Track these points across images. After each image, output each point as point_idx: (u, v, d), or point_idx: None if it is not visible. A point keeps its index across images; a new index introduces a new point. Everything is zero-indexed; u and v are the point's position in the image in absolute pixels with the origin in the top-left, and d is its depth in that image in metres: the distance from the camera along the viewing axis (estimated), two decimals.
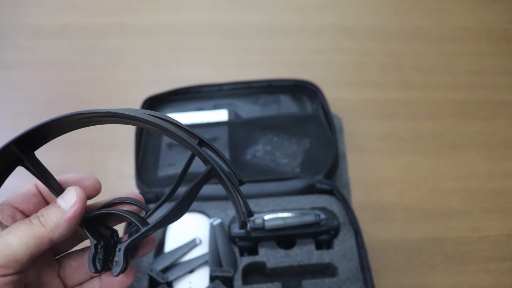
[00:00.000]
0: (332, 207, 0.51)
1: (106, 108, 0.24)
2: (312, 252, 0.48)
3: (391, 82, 0.71)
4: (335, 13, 0.80)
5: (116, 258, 0.27)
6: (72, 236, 0.27)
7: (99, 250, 0.27)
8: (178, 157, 0.58)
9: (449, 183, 0.60)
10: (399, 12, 0.81)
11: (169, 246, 0.48)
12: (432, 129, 0.65)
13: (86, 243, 0.29)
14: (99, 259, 0.27)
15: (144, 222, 0.27)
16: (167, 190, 0.53)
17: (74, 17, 0.78)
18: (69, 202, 0.26)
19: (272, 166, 0.57)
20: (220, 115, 0.62)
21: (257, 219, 0.48)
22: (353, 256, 0.48)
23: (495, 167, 0.62)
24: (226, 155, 0.58)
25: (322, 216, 0.48)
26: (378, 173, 0.61)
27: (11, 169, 0.27)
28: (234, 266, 0.47)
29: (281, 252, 0.48)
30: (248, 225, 0.47)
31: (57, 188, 0.27)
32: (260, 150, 0.58)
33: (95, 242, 0.27)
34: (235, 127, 0.60)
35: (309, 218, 0.48)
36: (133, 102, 0.61)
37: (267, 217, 0.48)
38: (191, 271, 0.46)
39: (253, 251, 0.49)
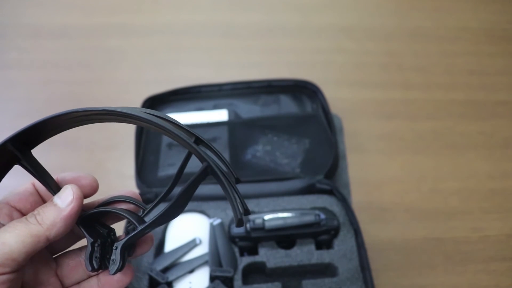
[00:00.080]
0: (332, 207, 0.51)
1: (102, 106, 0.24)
2: (312, 252, 0.48)
3: (391, 82, 0.71)
4: (335, 13, 0.80)
5: (113, 257, 0.27)
6: (69, 234, 0.27)
7: (96, 248, 0.27)
8: (178, 157, 0.58)
9: (449, 183, 0.60)
10: (399, 12, 0.81)
11: (169, 246, 0.48)
12: (432, 129, 0.65)
13: (84, 242, 0.29)
14: (95, 257, 0.27)
15: (141, 220, 0.27)
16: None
17: (74, 17, 0.78)
18: (65, 201, 0.26)
19: (272, 166, 0.57)
20: (220, 115, 0.62)
21: (257, 219, 0.48)
22: (353, 256, 0.48)
23: (495, 167, 0.62)
24: (226, 155, 0.58)
25: (322, 216, 0.48)
26: (378, 173, 0.61)
27: (8, 168, 0.27)
28: (234, 266, 0.47)
29: (281, 252, 0.48)
30: (248, 225, 0.47)
31: (54, 187, 0.27)
32: (260, 150, 0.58)
33: (92, 240, 0.27)
34: (235, 127, 0.60)
35: (309, 218, 0.48)
36: (133, 102, 0.61)
37: (267, 217, 0.48)
38: (191, 271, 0.46)
39: (253, 251, 0.49)
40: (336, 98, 0.66)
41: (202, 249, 0.48)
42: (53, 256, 0.30)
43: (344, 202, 0.51)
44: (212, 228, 0.49)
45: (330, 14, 0.80)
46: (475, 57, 0.74)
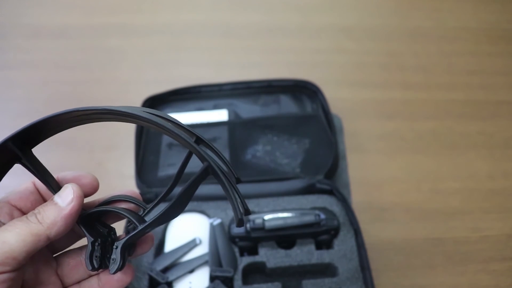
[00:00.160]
0: (332, 207, 0.51)
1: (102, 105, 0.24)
2: (312, 252, 0.48)
3: (391, 82, 0.71)
4: (335, 13, 0.80)
5: (113, 256, 0.27)
6: (70, 234, 0.27)
7: (96, 247, 0.27)
8: (178, 157, 0.58)
9: (449, 183, 0.60)
10: (399, 12, 0.81)
11: (169, 246, 0.48)
12: (432, 129, 0.65)
13: (85, 241, 0.29)
14: (96, 256, 0.27)
15: (141, 219, 0.27)
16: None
17: (74, 17, 0.78)
18: (66, 199, 0.26)
19: (272, 166, 0.57)
20: (220, 115, 0.62)
21: (257, 219, 0.48)
22: (353, 256, 0.48)
23: (495, 167, 0.62)
24: (226, 155, 0.58)
25: (322, 216, 0.48)
26: (378, 173, 0.61)
27: (9, 166, 0.27)
28: (234, 266, 0.47)
29: (281, 252, 0.48)
30: (248, 225, 0.47)
31: (54, 186, 0.27)
32: (260, 150, 0.58)
33: (92, 239, 0.27)
34: (235, 127, 0.60)
35: (309, 218, 0.48)
36: (133, 102, 0.61)
37: (267, 217, 0.48)
38: (191, 271, 0.46)
39: (253, 251, 0.49)
40: (336, 98, 0.66)
41: (202, 249, 0.48)
42: (54, 255, 0.30)
43: (344, 202, 0.51)
44: (212, 228, 0.49)
45: (330, 14, 0.80)
46: (475, 57, 0.74)
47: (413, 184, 0.60)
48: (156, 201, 0.29)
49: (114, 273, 0.27)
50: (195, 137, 0.25)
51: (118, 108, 0.24)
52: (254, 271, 0.49)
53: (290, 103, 0.64)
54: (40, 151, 0.28)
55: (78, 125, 0.27)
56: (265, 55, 0.74)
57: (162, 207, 0.26)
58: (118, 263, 0.27)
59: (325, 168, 0.55)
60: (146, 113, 0.24)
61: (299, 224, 0.48)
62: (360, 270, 0.47)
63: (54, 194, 0.27)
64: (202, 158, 0.24)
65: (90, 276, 0.30)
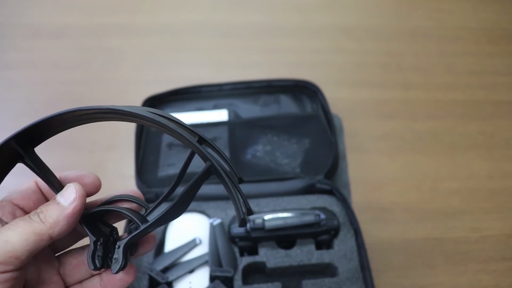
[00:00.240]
0: (332, 207, 0.51)
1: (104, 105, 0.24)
2: (312, 252, 0.48)
3: (391, 82, 0.71)
4: (335, 13, 0.80)
5: (115, 256, 0.27)
6: (72, 233, 0.27)
7: (98, 247, 0.27)
8: (178, 157, 0.58)
9: (449, 183, 0.60)
10: (399, 12, 0.81)
11: (169, 246, 0.48)
12: (432, 129, 0.65)
13: (87, 241, 0.29)
14: (98, 256, 0.27)
15: (143, 219, 0.27)
16: (167, 190, 0.53)
17: (74, 17, 0.78)
18: (68, 199, 0.26)
19: (272, 166, 0.57)
20: (220, 115, 0.62)
21: (257, 219, 0.48)
22: (353, 256, 0.48)
23: (495, 167, 0.62)
24: (226, 155, 0.57)
25: (322, 216, 0.48)
26: (378, 173, 0.61)
27: (11, 165, 0.27)
28: (234, 266, 0.47)
29: (281, 252, 0.48)
30: (248, 225, 0.48)
31: (57, 185, 0.27)
32: (260, 150, 0.58)
33: (95, 239, 0.27)
34: (235, 127, 0.60)
35: (309, 218, 0.48)
36: (133, 102, 0.61)
37: (267, 217, 0.48)
38: (191, 271, 0.46)
39: (253, 251, 0.49)
40: (336, 98, 0.66)
41: (202, 249, 0.48)
42: (56, 255, 0.30)
43: (344, 202, 0.51)
44: (212, 228, 0.49)
45: (330, 14, 0.80)
46: (475, 57, 0.74)
47: (413, 184, 0.60)
48: (158, 201, 0.29)
49: (116, 272, 0.27)
50: (198, 136, 0.25)
51: (121, 108, 0.24)
52: (254, 271, 0.49)
53: (290, 103, 0.64)
54: (40, 151, 0.28)
55: (80, 125, 0.27)
56: (265, 55, 0.74)
57: (164, 207, 0.26)
58: (120, 262, 0.27)
59: (325, 168, 0.55)
60: (149, 112, 0.24)
61: (299, 224, 0.48)
62: (360, 270, 0.47)
63: (56, 194, 0.27)
64: (204, 157, 0.24)
65: (92, 275, 0.30)
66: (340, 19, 0.79)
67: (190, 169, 0.28)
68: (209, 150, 0.25)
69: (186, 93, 0.63)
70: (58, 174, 0.28)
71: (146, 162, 0.58)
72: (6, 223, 0.26)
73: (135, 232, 0.27)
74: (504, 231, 0.56)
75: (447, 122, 0.66)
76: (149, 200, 0.52)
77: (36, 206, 0.27)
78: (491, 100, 0.69)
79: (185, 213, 0.50)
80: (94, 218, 0.28)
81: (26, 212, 0.28)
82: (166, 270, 0.46)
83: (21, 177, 0.29)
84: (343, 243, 0.49)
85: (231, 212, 0.51)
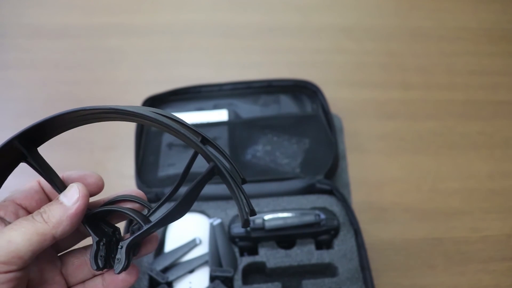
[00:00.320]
0: (332, 207, 0.51)
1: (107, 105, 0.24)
2: (312, 252, 0.48)
3: (391, 82, 0.71)
4: (335, 13, 0.80)
5: (118, 256, 0.27)
6: (75, 233, 0.27)
7: (101, 247, 0.27)
8: (178, 157, 0.58)
9: (449, 183, 0.60)
10: (399, 12, 0.81)
11: (169, 246, 0.48)
12: (432, 129, 0.65)
13: (89, 241, 0.29)
14: (101, 256, 0.27)
15: (146, 220, 0.27)
16: (167, 190, 0.53)
17: (74, 17, 0.78)
18: (71, 199, 0.26)
19: (272, 166, 0.57)
20: (220, 115, 0.62)
21: (257, 219, 0.48)
22: (353, 256, 0.48)
23: (495, 167, 0.62)
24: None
25: (322, 216, 0.48)
26: (378, 173, 0.61)
27: (14, 165, 0.27)
28: (234, 266, 0.47)
29: (281, 252, 0.48)
30: None
31: (59, 185, 0.27)
32: (260, 150, 0.58)
33: (97, 239, 0.27)
34: (235, 127, 0.60)
35: (309, 218, 0.48)
36: (133, 102, 0.61)
37: (267, 217, 0.48)
38: (191, 271, 0.46)
39: (253, 251, 0.49)
40: (336, 98, 0.66)
41: (202, 249, 0.48)
42: (58, 255, 0.30)
43: (344, 202, 0.51)
44: (212, 228, 0.49)
45: (330, 14, 0.80)
46: (475, 57, 0.74)
47: (413, 184, 0.60)
48: (161, 201, 0.29)
49: (119, 273, 0.27)
50: (201, 137, 0.25)
51: (124, 108, 0.24)
52: (254, 271, 0.49)
53: (290, 103, 0.64)
54: (41, 151, 0.28)
55: (83, 124, 0.27)
56: (265, 55, 0.74)
57: (166, 207, 0.26)
58: (123, 263, 0.27)
59: (325, 168, 0.55)
60: (152, 112, 0.24)
61: (299, 224, 0.48)
62: (360, 270, 0.47)
63: (59, 193, 0.27)
64: (208, 158, 0.24)
65: (95, 275, 0.30)
66: (340, 19, 0.79)
67: (193, 168, 0.28)
68: (212, 150, 0.25)
69: (186, 93, 0.63)
70: (60, 174, 0.28)
71: (146, 162, 0.58)
72: (9, 223, 0.26)
73: (138, 233, 0.27)
74: (504, 231, 0.56)
75: (447, 122, 0.66)
76: (149, 200, 0.52)
77: (39, 206, 0.27)
78: (491, 100, 0.69)
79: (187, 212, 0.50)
80: (97, 218, 0.28)
81: (29, 212, 0.28)
82: (166, 270, 0.46)
83: (23, 177, 0.29)
84: (343, 243, 0.49)
85: (231, 212, 0.51)
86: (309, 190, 0.53)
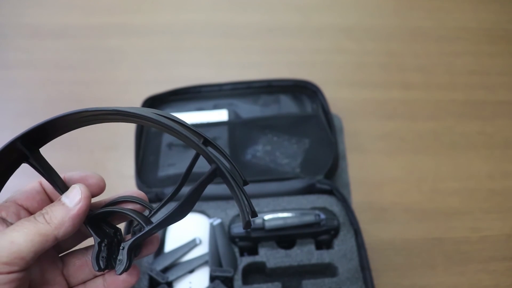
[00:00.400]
0: (332, 207, 0.51)
1: (109, 106, 0.24)
2: (312, 252, 0.48)
3: (391, 82, 0.71)
4: (335, 13, 0.80)
5: (119, 257, 0.27)
6: (76, 234, 0.27)
7: (102, 248, 0.27)
8: (178, 157, 0.58)
9: (449, 183, 0.60)
10: (399, 12, 0.81)
11: (169, 246, 0.48)
12: (432, 129, 0.65)
13: (90, 241, 0.29)
14: (102, 257, 0.27)
15: (148, 221, 0.27)
16: (167, 190, 0.53)
17: (74, 17, 0.78)
18: (73, 200, 0.26)
19: (272, 166, 0.57)
20: (220, 115, 0.62)
21: (257, 219, 0.48)
22: (353, 256, 0.48)
23: (495, 167, 0.62)
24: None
25: (322, 216, 0.48)
26: (378, 173, 0.61)
27: (16, 166, 0.27)
28: (234, 266, 0.47)
29: (281, 252, 0.48)
30: None
31: (61, 186, 0.27)
32: (260, 150, 0.58)
33: (99, 240, 0.27)
34: (235, 127, 0.60)
35: (309, 218, 0.48)
36: (133, 102, 0.61)
37: (267, 217, 0.48)
38: (191, 271, 0.46)
39: (253, 251, 0.49)
40: (336, 98, 0.66)
41: (202, 249, 0.48)
42: (59, 255, 0.30)
43: (344, 202, 0.51)
44: (212, 228, 0.49)
45: (330, 14, 0.80)
46: (475, 57, 0.74)
47: (413, 184, 0.60)
48: (162, 202, 0.29)
49: (121, 273, 0.27)
50: (203, 138, 0.25)
51: (126, 109, 0.24)
52: (254, 271, 0.49)
53: (290, 103, 0.64)
54: (41, 151, 0.28)
55: (86, 126, 0.27)
56: (265, 55, 0.74)
57: (168, 208, 0.26)
58: (124, 264, 0.27)
59: (325, 168, 0.55)
60: (154, 114, 0.24)
61: (299, 224, 0.48)
62: (360, 270, 0.47)
63: (60, 194, 0.27)
64: (210, 160, 0.24)
65: (96, 276, 0.30)
66: (340, 19, 0.79)
67: (193, 168, 0.28)
68: (213, 151, 0.25)
69: (186, 93, 0.63)
70: (62, 174, 0.28)
71: (146, 162, 0.58)
72: (11, 223, 0.26)
73: (140, 234, 0.27)
74: (504, 231, 0.56)
75: (447, 122, 0.66)
76: (149, 201, 0.52)
77: (40, 207, 0.27)
78: (491, 100, 0.69)
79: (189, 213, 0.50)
80: (98, 219, 0.28)
81: (30, 212, 0.28)
82: (166, 270, 0.46)
83: (24, 177, 0.29)
84: (343, 243, 0.49)
85: (231, 212, 0.51)
86: (309, 190, 0.53)
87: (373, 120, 0.66)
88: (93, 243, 0.28)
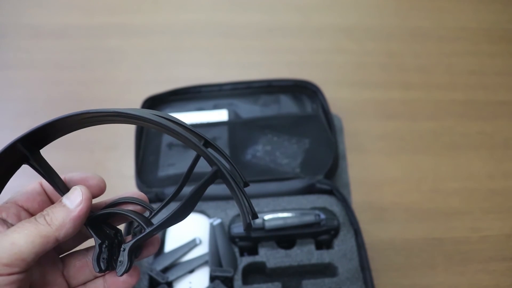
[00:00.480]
0: (332, 207, 0.51)
1: (110, 107, 0.24)
2: (312, 252, 0.48)
3: (391, 82, 0.71)
4: (335, 13, 0.80)
5: (120, 258, 0.27)
6: (76, 235, 0.27)
7: (103, 249, 0.27)
8: (178, 157, 0.58)
9: (449, 183, 0.60)
10: (399, 12, 0.81)
11: (169, 246, 0.48)
12: (432, 129, 0.65)
13: (90, 242, 0.29)
14: (103, 258, 0.27)
15: (148, 222, 0.27)
16: (167, 190, 0.53)
17: (74, 17, 0.78)
18: (74, 202, 0.26)
19: (272, 166, 0.57)
20: (220, 115, 0.62)
21: (257, 219, 0.48)
22: (353, 256, 0.48)
23: (495, 167, 0.62)
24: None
25: (322, 216, 0.48)
26: (378, 173, 0.61)
27: (17, 167, 0.27)
28: (234, 266, 0.47)
29: (281, 252, 0.48)
30: None
31: (62, 187, 0.27)
32: (260, 150, 0.58)
33: (100, 241, 0.27)
34: (235, 127, 0.60)
35: (309, 218, 0.48)
36: (133, 102, 0.61)
37: (267, 217, 0.48)
38: (191, 271, 0.46)
39: (253, 251, 0.49)
40: (336, 98, 0.66)
41: (202, 249, 0.48)
42: (60, 256, 0.30)
43: (344, 202, 0.51)
44: (212, 228, 0.49)
45: (330, 14, 0.80)
46: (475, 57, 0.74)
47: (413, 184, 0.60)
48: (163, 204, 0.29)
49: (121, 275, 0.27)
50: (204, 140, 0.25)
51: (127, 111, 0.24)
52: (254, 271, 0.49)
53: (290, 103, 0.64)
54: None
55: (86, 127, 0.27)
56: (265, 55, 0.74)
57: (168, 209, 0.26)
58: (125, 265, 0.27)
59: (325, 168, 0.55)
60: (155, 116, 0.24)
61: (299, 224, 0.48)
62: (360, 270, 0.47)
63: (61, 195, 0.27)
64: (211, 162, 0.24)
65: (96, 277, 0.30)
66: (340, 19, 0.79)
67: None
68: (214, 153, 0.25)
69: (186, 93, 0.63)
70: (62, 175, 0.28)
71: (146, 162, 0.58)
72: (12, 224, 0.26)
73: (141, 235, 0.27)
74: (504, 231, 0.56)
75: (447, 122, 0.66)
76: (149, 200, 0.52)
77: (41, 208, 0.27)
78: (491, 100, 0.69)
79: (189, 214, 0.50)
80: (99, 220, 0.28)
81: (31, 213, 0.28)
82: (166, 270, 0.46)
83: (24, 178, 0.29)
84: (343, 243, 0.49)
85: (231, 212, 0.51)
86: (309, 190, 0.53)
87: (373, 120, 0.66)
88: (93, 243, 0.28)
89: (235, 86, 0.64)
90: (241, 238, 0.48)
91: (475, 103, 0.69)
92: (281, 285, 0.46)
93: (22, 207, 0.28)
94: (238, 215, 0.51)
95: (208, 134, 0.60)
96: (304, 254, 0.48)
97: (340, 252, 0.48)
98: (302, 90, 0.64)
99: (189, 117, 0.61)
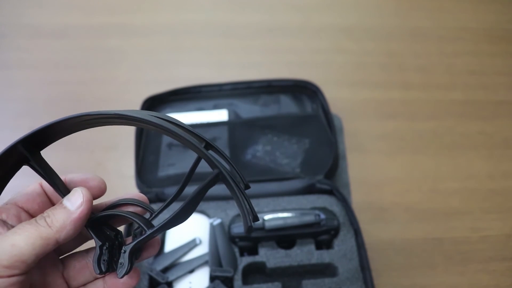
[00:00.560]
0: (332, 207, 0.51)
1: (110, 109, 0.25)
2: (312, 252, 0.48)
3: (391, 82, 0.71)
4: (335, 13, 0.80)
5: (121, 260, 0.27)
6: (77, 236, 0.27)
7: (104, 251, 0.27)
8: (178, 157, 0.58)
9: (449, 183, 0.60)
10: (399, 12, 0.81)
11: (169, 246, 0.48)
12: (432, 129, 0.65)
13: (90, 243, 0.29)
14: (104, 260, 0.27)
15: (149, 224, 0.27)
16: (167, 190, 0.53)
17: (74, 17, 0.78)
18: (75, 203, 0.26)
19: (272, 166, 0.57)
20: (220, 115, 0.62)
21: None
22: (353, 256, 0.48)
23: (495, 167, 0.62)
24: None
25: (322, 216, 0.48)
26: (378, 173, 0.61)
27: (17, 168, 0.27)
28: (234, 266, 0.47)
29: (281, 252, 0.48)
30: None
31: (62, 188, 0.27)
32: (260, 150, 0.58)
33: (100, 243, 0.27)
34: (235, 127, 0.60)
35: (309, 218, 0.48)
36: (133, 102, 0.61)
37: (267, 217, 0.48)
38: (191, 271, 0.46)
39: (253, 251, 0.49)
40: (336, 98, 0.66)
41: (202, 249, 0.48)
42: (60, 258, 0.30)
43: (344, 202, 0.51)
44: (212, 228, 0.49)
45: (330, 14, 0.80)
46: (475, 57, 0.74)
47: (413, 184, 0.60)
48: (163, 205, 0.29)
49: (122, 277, 0.27)
50: (205, 142, 0.25)
51: (128, 113, 0.24)
52: (254, 271, 0.49)
53: (290, 103, 0.64)
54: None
55: (87, 128, 0.27)
56: (265, 55, 0.74)
57: (169, 211, 0.26)
58: (126, 267, 0.27)
59: (325, 168, 0.55)
60: (155, 117, 0.24)
61: (299, 224, 0.48)
62: (360, 270, 0.47)
63: (61, 196, 0.27)
64: (213, 165, 0.24)
65: (96, 278, 0.30)
66: (340, 19, 0.79)
67: (187, 169, 0.28)
68: (215, 155, 0.25)
69: (186, 93, 0.63)
70: (63, 176, 0.28)
71: (146, 162, 0.58)
72: (12, 226, 0.26)
73: (141, 237, 0.27)
74: (504, 231, 0.56)
75: (447, 122, 0.66)
76: (149, 200, 0.52)
77: (41, 209, 0.27)
78: (491, 100, 0.69)
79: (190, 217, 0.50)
80: (99, 222, 0.28)
81: (31, 215, 0.28)
82: (166, 270, 0.46)
83: (24, 179, 0.29)
84: (343, 243, 0.49)
85: (231, 212, 0.51)
86: (309, 190, 0.53)
87: (373, 120, 0.66)
88: (92, 244, 0.28)
89: (235, 86, 0.64)
90: (241, 238, 0.48)
91: (475, 103, 0.69)
92: (281, 285, 0.46)
93: (22, 208, 0.28)
94: (238, 215, 0.51)
95: (208, 134, 0.60)
96: (304, 254, 0.48)
97: (340, 252, 0.48)
98: (302, 90, 0.64)
99: (189, 117, 0.61)
